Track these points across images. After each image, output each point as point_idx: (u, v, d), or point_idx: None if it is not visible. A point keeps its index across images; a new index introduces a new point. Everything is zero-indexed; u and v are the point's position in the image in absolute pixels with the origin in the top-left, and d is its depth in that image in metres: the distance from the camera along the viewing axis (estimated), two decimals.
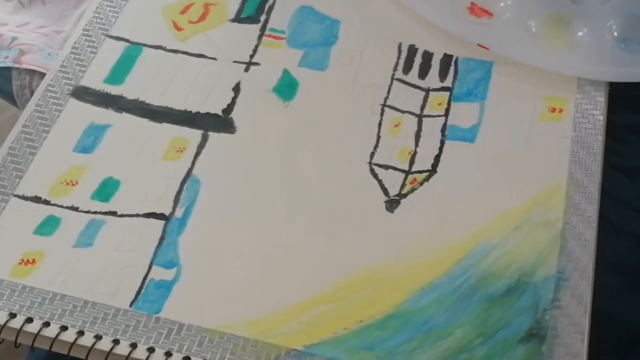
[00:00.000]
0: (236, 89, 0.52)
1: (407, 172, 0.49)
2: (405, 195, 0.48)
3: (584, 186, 0.48)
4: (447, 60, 0.55)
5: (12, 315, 0.41)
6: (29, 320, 0.41)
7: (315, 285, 0.44)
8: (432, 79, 0.54)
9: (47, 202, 0.46)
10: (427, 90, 0.53)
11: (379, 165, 0.49)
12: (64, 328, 0.41)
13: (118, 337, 0.41)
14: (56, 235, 0.45)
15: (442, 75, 0.54)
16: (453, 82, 0.53)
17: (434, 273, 0.45)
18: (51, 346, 0.41)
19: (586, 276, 0.44)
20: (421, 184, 0.49)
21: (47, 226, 0.45)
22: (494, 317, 0.43)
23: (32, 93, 0.58)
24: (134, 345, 0.41)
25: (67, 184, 0.47)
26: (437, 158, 0.50)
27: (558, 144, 0.50)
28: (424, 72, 0.54)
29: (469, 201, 0.48)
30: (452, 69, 0.54)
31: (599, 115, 0.51)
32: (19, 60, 0.60)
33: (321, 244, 0.45)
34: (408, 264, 0.45)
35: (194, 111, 0.51)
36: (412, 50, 0.55)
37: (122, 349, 0.41)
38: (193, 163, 0.49)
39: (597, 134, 0.50)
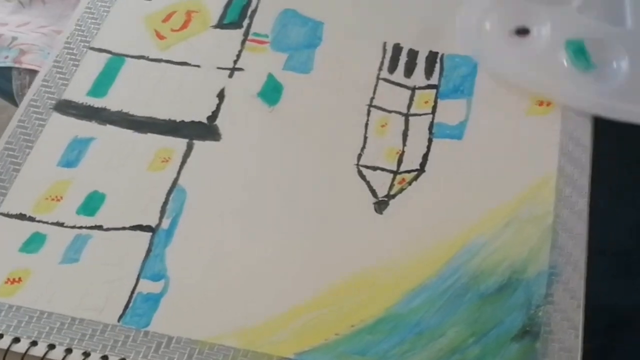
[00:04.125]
0: (220, 95, 0.52)
1: (395, 173, 0.49)
2: (394, 196, 0.47)
3: (574, 179, 0.47)
4: (432, 57, 0.54)
5: None
6: (16, 340, 0.41)
7: (305, 291, 0.44)
8: (418, 77, 0.53)
9: (32, 219, 0.46)
10: (413, 89, 0.53)
11: (367, 167, 0.49)
12: (51, 346, 0.41)
13: (107, 353, 0.41)
14: (42, 253, 0.45)
15: (428, 72, 0.53)
16: (439, 79, 0.53)
17: (424, 274, 0.44)
18: None
19: (578, 270, 0.43)
20: (410, 183, 0.48)
21: (33, 243, 0.45)
22: (486, 315, 0.42)
23: None
24: None
25: (52, 199, 0.47)
26: (425, 157, 0.49)
27: (546, 138, 0.49)
28: (409, 71, 0.53)
29: (458, 199, 0.47)
30: (437, 66, 0.54)
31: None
32: (19, 60, 0.61)
33: (310, 250, 0.45)
34: (398, 265, 0.44)
35: (178, 120, 0.50)
36: (397, 49, 0.55)
37: None
38: (179, 173, 0.48)
39: (585, 125, 0.49)
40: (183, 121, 0.50)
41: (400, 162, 0.49)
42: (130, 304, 0.43)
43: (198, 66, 0.53)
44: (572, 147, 0.49)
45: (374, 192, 0.48)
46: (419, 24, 0.56)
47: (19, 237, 0.45)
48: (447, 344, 0.41)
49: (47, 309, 0.42)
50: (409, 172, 0.49)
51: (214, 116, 0.51)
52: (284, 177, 0.48)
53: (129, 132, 0.50)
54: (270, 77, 0.53)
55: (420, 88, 0.53)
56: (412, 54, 0.55)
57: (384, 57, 0.54)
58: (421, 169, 0.49)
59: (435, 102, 0.52)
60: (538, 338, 0.41)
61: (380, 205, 0.47)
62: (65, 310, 0.42)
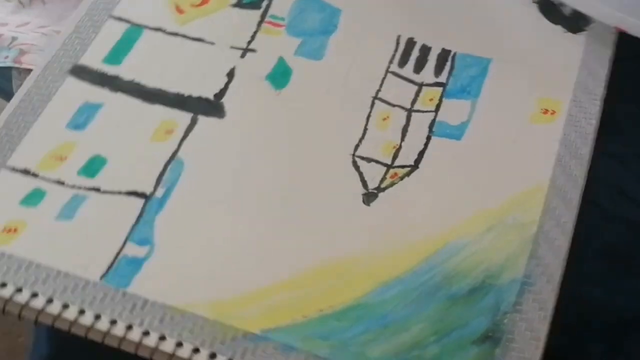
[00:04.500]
0: (230, 74, 0.53)
1: (389, 166, 0.49)
2: (384, 189, 0.48)
3: (565, 192, 0.47)
4: (444, 55, 0.54)
5: None
6: (2, 285, 0.43)
7: (282, 271, 0.45)
8: (427, 74, 0.53)
9: (35, 175, 0.48)
10: (421, 85, 0.53)
11: (362, 158, 0.49)
12: (34, 295, 0.43)
13: (84, 307, 0.43)
14: (40, 207, 0.47)
15: (438, 70, 0.54)
16: (448, 77, 0.53)
17: (400, 268, 0.45)
18: (20, 313, 0.42)
19: (552, 282, 0.43)
20: (401, 178, 0.49)
21: (33, 198, 0.47)
22: (453, 316, 0.43)
23: None
24: (98, 317, 0.42)
25: (57, 158, 0.49)
26: (421, 154, 0.50)
27: (545, 147, 0.49)
28: (419, 67, 0.54)
29: (447, 199, 0.48)
30: (448, 64, 0.54)
31: (592, 120, 0.50)
32: (19, 60, 0.61)
33: (294, 232, 0.46)
34: (376, 257, 0.45)
35: (186, 94, 0.52)
36: (410, 43, 0.55)
37: (86, 319, 0.42)
38: (179, 145, 0.50)
39: (586, 140, 0.49)
40: (191, 96, 0.52)
41: (395, 156, 0.50)
42: (114, 265, 0.45)
43: (213, 43, 0.55)
44: (569, 160, 0.48)
45: (364, 184, 0.48)
46: (436, 19, 0.56)
47: (21, 191, 0.47)
48: (409, 339, 0.42)
49: (35, 260, 0.44)
50: (402, 167, 0.49)
51: (221, 94, 0.52)
52: (279, 159, 0.49)
53: (138, 101, 0.52)
54: (281, 60, 0.54)
55: (427, 85, 0.53)
56: (425, 50, 0.55)
57: (396, 50, 0.55)
58: (415, 166, 0.49)
59: (440, 100, 0.52)
60: (499, 345, 0.42)
61: (369, 197, 0.48)
62: (53, 263, 0.45)
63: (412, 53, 0.55)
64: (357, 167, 0.49)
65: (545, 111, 0.51)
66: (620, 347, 0.46)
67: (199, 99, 0.52)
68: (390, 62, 0.54)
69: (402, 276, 0.45)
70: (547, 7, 0.56)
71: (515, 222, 0.46)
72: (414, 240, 0.46)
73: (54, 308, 0.43)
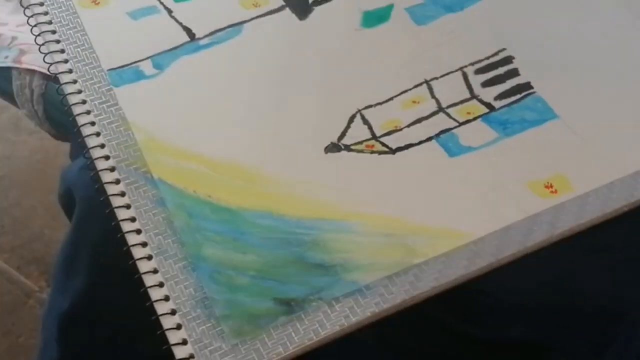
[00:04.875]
0: None
1: (374, 137, 0.49)
2: (349, 149, 0.48)
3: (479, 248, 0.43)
4: (523, 88, 0.50)
5: None
6: None
7: (233, 151, 0.48)
8: (491, 92, 0.50)
9: None
10: (474, 98, 0.50)
11: (362, 117, 0.50)
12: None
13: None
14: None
15: (503, 96, 0.50)
16: (502, 107, 0.49)
17: (293, 209, 0.45)
18: None
19: (383, 305, 0.41)
20: (372, 152, 0.48)
21: None
22: (284, 270, 0.43)
23: (32, 93, 0.61)
24: None
25: None
26: (408, 147, 0.48)
27: (512, 214, 0.45)
28: (491, 83, 0.51)
29: (386, 188, 0.46)
30: (517, 97, 0.50)
31: None
32: (19, 60, 0.60)
33: (267, 138, 0.49)
34: (292, 192, 0.46)
35: None
36: (507, 59, 0.52)
37: None
38: (254, 18, 0.54)
39: None
40: None
41: (387, 134, 0.49)
42: (126, 67, 0.52)
43: None
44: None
45: (342, 136, 0.49)
46: (547, 54, 0.52)
47: None
48: (237, 260, 0.43)
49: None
50: (383, 144, 0.48)
51: (319, 2, 0.55)
52: (300, 81, 0.51)
53: None
54: (390, 7, 0.55)
55: (479, 100, 0.50)
56: (511, 73, 0.51)
57: (487, 57, 0.52)
58: (392, 151, 0.48)
59: (475, 119, 0.49)
60: (290, 315, 0.41)
61: (332, 148, 0.48)
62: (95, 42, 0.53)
63: (499, 68, 0.51)
64: (351, 120, 0.49)
65: (549, 186, 0.45)
66: (606, 337, 0.44)
67: None
68: (472, 63, 0.52)
69: (286, 216, 0.45)
70: None
71: (413, 245, 0.43)
72: (328, 201, 0.46)
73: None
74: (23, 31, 0.61)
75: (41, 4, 0.54)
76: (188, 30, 0.54)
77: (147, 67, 0.52)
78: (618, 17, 0.54)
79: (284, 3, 0.55)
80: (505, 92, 0.50)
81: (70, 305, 0.49)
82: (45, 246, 1.00)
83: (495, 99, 0.50)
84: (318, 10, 0.55)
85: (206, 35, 0.54)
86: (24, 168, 1.08)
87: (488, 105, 0.49)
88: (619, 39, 0.53)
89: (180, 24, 0.54)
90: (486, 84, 0.50)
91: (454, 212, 0.44)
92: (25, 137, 1.10)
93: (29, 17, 0.53)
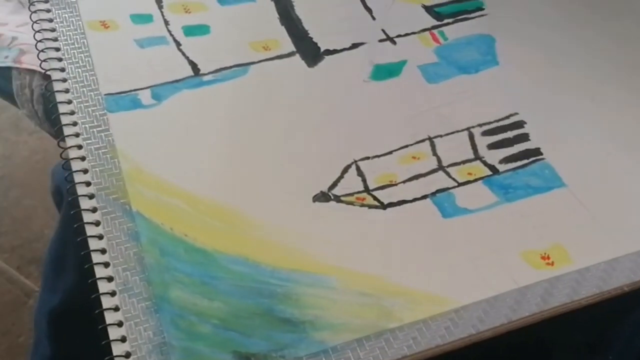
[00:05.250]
0: (356, 45, 0.54)
1: (366, 190, 0.46)
2: (338, 200, 0.46)
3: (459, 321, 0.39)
4: (532, 154, 0.48)
5: None
6: None
7: (215, 192, 0.46)
8: (496, 155, 0.48)
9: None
10: (477, 159, 0.47)
11: (357, 169, 0.47)
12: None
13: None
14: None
15: (510, 160, 0.47)
16: (508, 171, 0.47)
17: (269, 257, 0.43)
18: None
19: None
20: (361, 206, 0.45)
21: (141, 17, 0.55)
22: (250, 322, 0.40)
23: (32, 93, 0.60)
24: None
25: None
26: (400, 203, 0.45)
27: (500, 283, 0.41)
28: (499, 146, 0.48)
29: (370, 242, 0.43)
30: (525, 162, 0.47)
31: None
32: (19, 60, 0.60)
33: (255, 179, 0.47)
34: (268, 238, 0.44)
35: (314, 36, 0.54)
36: (518, 124, 0.49)
37: None
38: (259, 60, 0.53)
39: None
40: (312, 37, 0.54)
41: (381, 187, 0.46)
42: (124, 94, 0.51)
43: (373, 18, 0.56)
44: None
45: (333, 186, 0.47)
46: (553, 123, 0.49)
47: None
48: (202, 306, 0.41)
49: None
50: (374, 198, 0.46)
51: (330, 52, 0.54)
52: (294, 129, 0.49)
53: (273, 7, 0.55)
54: (402, 63, 0.53)
55: (484, 162, 0.47)
56: (522, 138, 0.48)
57: (498, 120, 0.49)
58: (383, 206, 0.45)
59: (475, 180, 0.46)
60: None
61: (320, 197, 0.46)
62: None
63: (509, 131, 0.49)
64: (345, 170, 0.47)
65: (546, 257, 0.42)
66: (603, 337, 0.43)
67: (312, 42, 0.54)
68: (484, 124, 0.49)
69: (262, 264, 0.43)
70: None
71: (389, 307, 0.40)
72: (304, 250, 0.43)
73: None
74: (23, 31, 0.60)
75: (50, 20, 0.53)
76: (193, 65, 0.52)
77: (145, 97, 0.50)
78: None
79: (294, 49, 0.53)
80: (512, 156, 0.47)
81: (60, 303, 0.49)
82: (45, 246, 0.99)
83: (501, 162, 0.47)
84: (328, 59, 0.53)
85: (211, 72, 0.52)
86: (24, 168, 1.08)
87: (492, 167, 0.46)
88: (634, 116, 0.50)
89: (187, 57, 0.53)
90: (493, 146, 0.47)
91: (438, 276, 0.41)
92: (25, 137, 1.10)
93: (35, 32, 0.52)
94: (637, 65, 0.52)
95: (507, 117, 0.49)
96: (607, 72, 0.52)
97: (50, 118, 0.58)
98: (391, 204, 0.45)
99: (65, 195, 0.49)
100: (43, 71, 0.51)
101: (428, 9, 0.56)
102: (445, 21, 0.56)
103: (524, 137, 0.48)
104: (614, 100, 0.50)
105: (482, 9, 0.56)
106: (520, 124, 0.49)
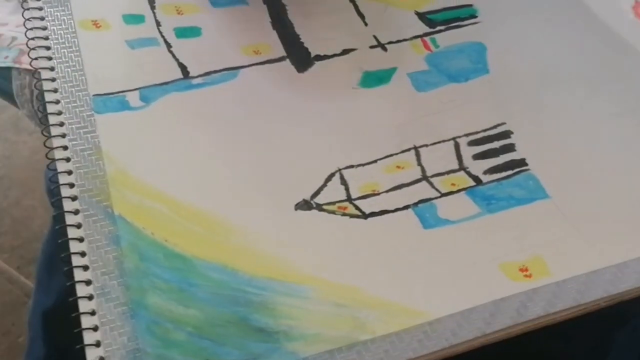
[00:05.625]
0: (347, 51, 0.54)
1: (349, 199, 0.46)
2: (320, 208, 0.46)
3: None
4: (517, 164, 0.47)
5: None
6: None
7: (200, 199, 0.46)
8: (481, 166, 0.47)
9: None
10: (462, 169, 0.47)
11: (342, 176, 0.47)
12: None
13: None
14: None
15: (494, 171, 0.47)
16: (491, 182, 0.46)
17: (248, 267, 0.43)
18: None
19: None
20: (342, 215, 0.45)
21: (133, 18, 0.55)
22: (224, 331, 0.40)
23: (32, 93, 0.60)
24: None
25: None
26: (382, 212, 0.45)
27: (477, 297, 0.41)
28: (484, 156, 0.48)
29: (348, 258, 0.43)
30: (508, 173, 0.47)
31: None
32: (19, 60, 0.60)
33: (239, 185, 0.47)
34: (248, 245, 0.44)
35: (305, 41, 0.54)
36: (504, 134, 0.49)
37: None
38: (250, 64, 0.53)
39: None
40: (304, 43, 0.54)
41: (363, 197, 0.46)
42: (112, 95, 0.51)
43: (365, 24, 0.55)
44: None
45: (315, 194, 0.46)
46: (540, 134, 0.48)
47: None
48: (177, 313, 0.41)
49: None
50: (356, 207, 0.46)
51: (320, 57, 0.53)
52: (281, 135, 0.49)
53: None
54: (392, 70, 0.53)
55: (467, 173, 0.47)
56: (508, 148, 0.48)
57: (485, 130, 0.49)
58: (364, 216, 0.45)
59: (458, 191, 0.46)
60: None
61: (303, 205, 0.46)
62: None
63: (495, 142, 0.48)
64: (328, 179, 0.47)
65: (524, 270, 0.42)
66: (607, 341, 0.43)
67: (304, 49, 0.54)
68: (470, 134, 0.49)
69: (240, 271, 0.43)
70: None
71: (363, 319, 0.40)
72: (283, 259, 0.43)
73: None
74: (23, 31, 0.59)
75: (42, 19, 0.53)
76: (183, 67, 0.52)
77: (133, 99, 0.50)
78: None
79: (285, 54, 0.53)
80: (498, 166, 0.47)
81: (54, 303, 0.49)
82: None
83: (485, 172, 0.46)
84: (319, 64, 0.53)
85: (200, 75, 0.52)
86: (24, 168, 1.09)
87: (475, 178, 0.46)
88: (623, 133, 0.49)
89: (177, 60, 0.53)
90: (478, 156, 0.47)
91: (415, 289, 0.41)
92: (25, 137, 1.11)
93: (27, 29, 0.52)
94: (626, 76, 0.52)
95: (495, 127, 0.49)
96: (597, 83, 0.51)
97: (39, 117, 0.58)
98: (373, 214, 0.45)
99: (50, 197, 0.49)
100: (34, 70, 0.51)
101: (421, 16, 0.56)
102: (438, 28, 0.55)
103: (510, 148, 0.48)
104: (603, 111, 0.49)
105: (475, 17, 0.56)
106: (507, 134, 0.48)
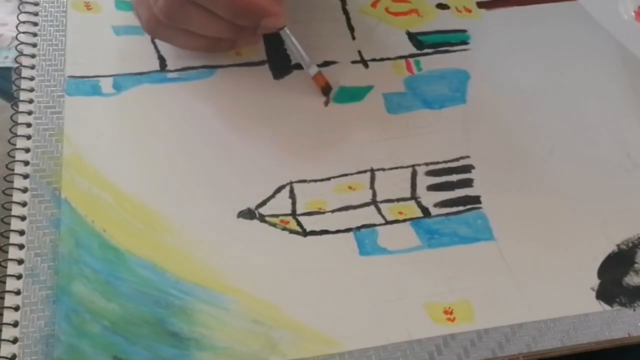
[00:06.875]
0: (328, 63, 0.53)
1: (292, 214, 0.45)
2: (263, 219, 0.45)
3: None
4: (470, 201, 0.46)
5: None
6: None
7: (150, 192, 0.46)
8: (433, 198, 0.46)
9: None
10: (413, 199, 0.46)
11: (291, 190, 0.47)
12: None
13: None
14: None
15: (446, 205, 0.46)
16: (440, 216, 0.45)
17: (176, 269, 0.43)
18: None
19: None
20: (282, 229, 0.45)
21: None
22: (138, 329, 0.40)
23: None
24: None
25: None
26: (323, 232, 0.45)
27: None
28: (439, 188, 0.47)
29: (277, 274, 0.43)
30: (461, 209, 0.46)
31: None
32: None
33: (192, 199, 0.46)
34: (182, 247, 0.44)
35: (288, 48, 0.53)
36: (465, 167, 0.48)
37: None
38: (227, 65, 0.52)
39: None
40: (284, 48, 0.53)
41: (308, 214, 0.45)
42: (86, 79, 0.51)
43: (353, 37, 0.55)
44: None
45: (261, 204, 0.46)
46: (501, 174, 0.47)
47: None
48: (97, 304, 0.41)
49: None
50: (298, 223, 0.45)
51: (299, 66, 0.53)
52: (242, 140, 0.49)
53: None
54: (367, 89, 0.52)
55: (418, 203, 0.46)
56: (465, 183, 0.47)
57: (446, 162, 0.48)
58: (304, 233, 0.45)
59: (404, 221, 0.45)
60: None
61: (246, 213, 0.45)
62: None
63: (454, 175, 0.47)
64: (277, 191, 0.46)
65: (449, 312, 0.41)
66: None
67: (288, 57, 0.53)
68: (430, 164, 0.48)
69: (168, 272, 0.43)
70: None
71: (277, 340, 0.40)
72: (213, 265, 0.43)
73: None
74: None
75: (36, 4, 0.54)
76: (162, 60, 0.52)
77: (106, 85, 0.51)
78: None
79: (265, 59, 0.52)
80: (450, 200, 0.45)
81: None
82: None
83: (436, 205, 0.45)
84: (296, 73, 0.52)
85: (177, 70, 0.52)
86: None
87: (425, 210, 0.45)
88: (590, 176, 0.47)
89: (158, 51, 0.53)
90: (433, 188, 0.46)
91: (335, 316, 0.40)
92: None
93: (19, 3, 0.53)
94: (604, 120, 0.50)
95: (457, 160, 0.47)
96: (573, 126, 0.49)
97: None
98: (313, 232, 0.44)
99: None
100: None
101: (411, 36, 0.55)
102: (425, 51, 0.54)
103: (468, 182, 0.46)
104: (574, 155, 0.48)
105: (467, 43, 0.55)
106: (468, 168, 0.47)
